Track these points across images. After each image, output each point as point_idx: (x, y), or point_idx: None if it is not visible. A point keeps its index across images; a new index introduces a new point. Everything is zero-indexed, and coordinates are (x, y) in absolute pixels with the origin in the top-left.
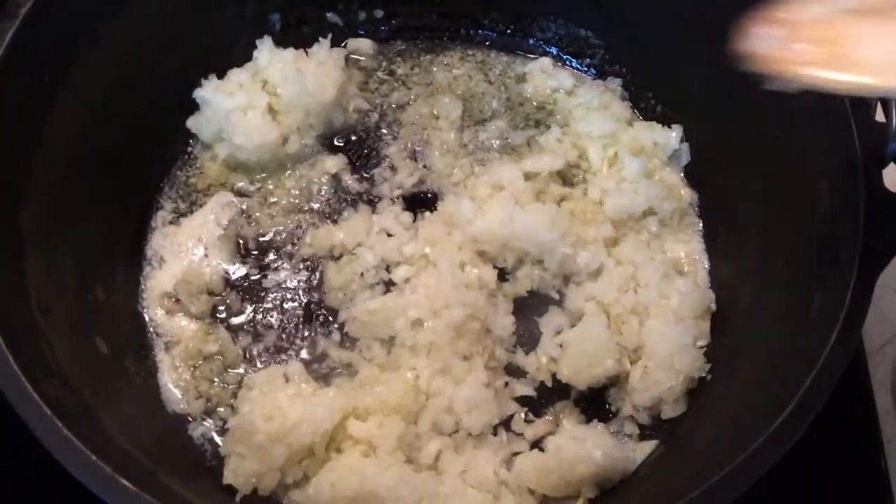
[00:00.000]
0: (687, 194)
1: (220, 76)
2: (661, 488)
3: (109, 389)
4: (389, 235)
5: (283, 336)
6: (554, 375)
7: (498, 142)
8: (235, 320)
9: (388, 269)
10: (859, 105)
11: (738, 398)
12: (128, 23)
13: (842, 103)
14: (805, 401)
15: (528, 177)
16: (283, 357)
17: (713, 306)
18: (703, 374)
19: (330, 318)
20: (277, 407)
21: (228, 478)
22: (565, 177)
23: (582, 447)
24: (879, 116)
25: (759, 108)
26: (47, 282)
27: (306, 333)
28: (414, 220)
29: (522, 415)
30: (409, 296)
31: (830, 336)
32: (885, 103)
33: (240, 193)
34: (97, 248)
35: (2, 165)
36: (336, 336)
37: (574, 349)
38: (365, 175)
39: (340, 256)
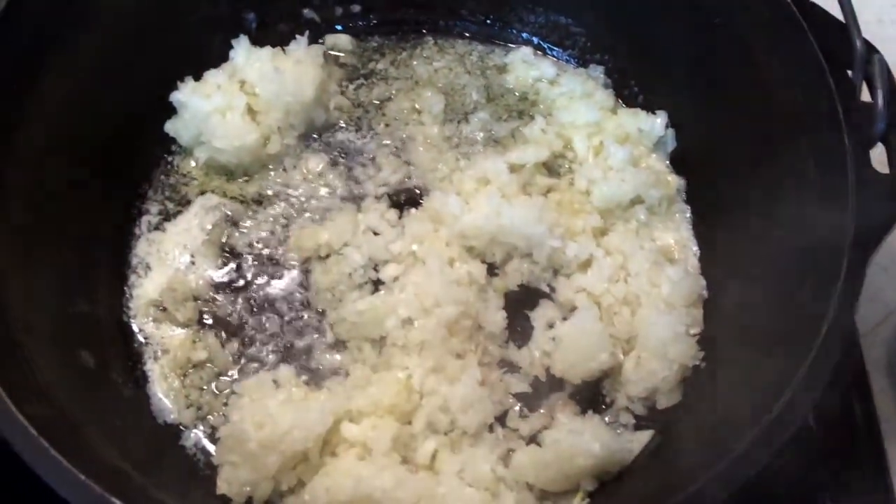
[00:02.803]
0: (674, 181)
1: (197, 78)
2: (659, 481)
3: (97, 404)
4: (376, 234)
5: (272, 340)
6: (548, 370)
7: (482, 134)
8: (223, 326)
9: (375, 268)
10: (844, 86)
11: (733, 386)
12: (97, 27)
13: (826, 85)
14: (804, 385)
15: (513, 169)
16: (274, 361)
17: (705, 293)
18: (697, 363)
19: (319, 320)
20: (268, 414)
21: (222, 488)
22: (551, 167)
23: (580, 440)
24: (865, 96)
25: (742, 91)
26: (27, 298)
27: (296, 336)
28: (400, 217)
29: (517, 409)
30: (398, 294)
31: (825, 318)
32: (871, 83)
33: (223, 196)
34: (78, 258)
35: None
36: (326, 338)
37: (567, 344)
38: (349, 173)
39: (327, 257)
